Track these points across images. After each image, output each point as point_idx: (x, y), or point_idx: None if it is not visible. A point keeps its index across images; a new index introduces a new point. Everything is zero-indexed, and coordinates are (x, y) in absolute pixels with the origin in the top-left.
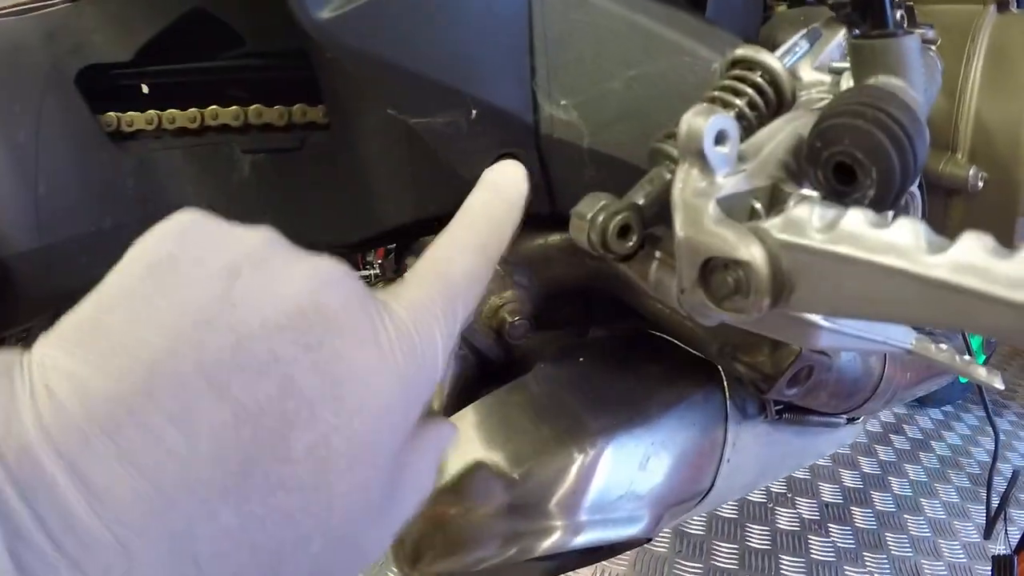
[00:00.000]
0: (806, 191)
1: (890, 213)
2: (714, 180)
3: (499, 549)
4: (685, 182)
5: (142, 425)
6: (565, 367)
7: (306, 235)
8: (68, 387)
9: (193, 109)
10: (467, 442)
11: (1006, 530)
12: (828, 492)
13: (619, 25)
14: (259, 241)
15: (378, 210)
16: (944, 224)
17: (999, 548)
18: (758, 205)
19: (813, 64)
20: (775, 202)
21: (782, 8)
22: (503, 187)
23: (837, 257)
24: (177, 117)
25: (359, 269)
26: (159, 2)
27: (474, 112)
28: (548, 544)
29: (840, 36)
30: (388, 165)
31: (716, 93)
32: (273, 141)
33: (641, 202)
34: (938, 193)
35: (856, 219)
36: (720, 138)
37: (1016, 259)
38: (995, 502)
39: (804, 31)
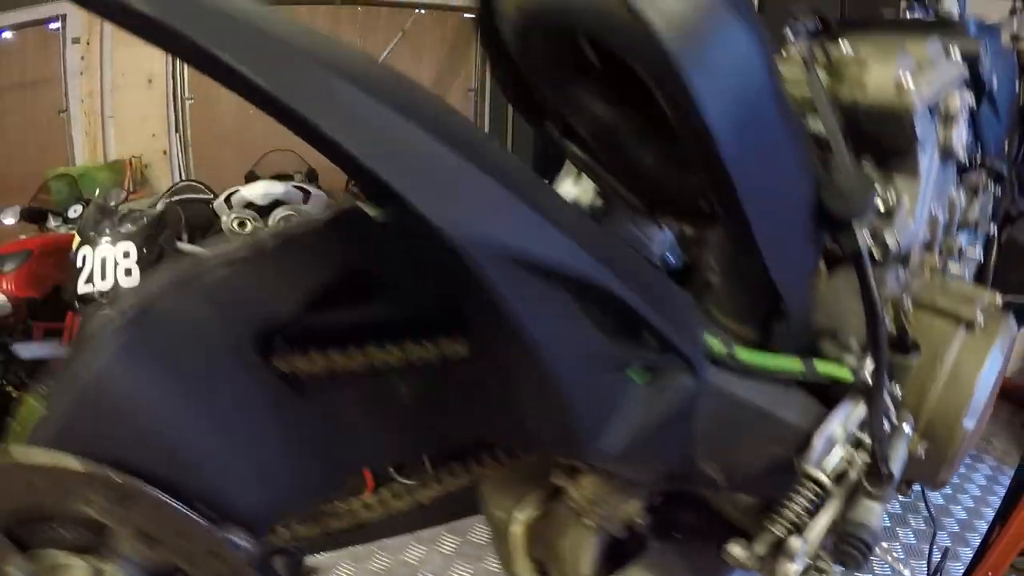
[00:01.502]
0: None
1: None
2: None
3: None
4: None
5: None
6: (671, 545)
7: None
8: None
9: (359, 356)
10: None
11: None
12: None
13: (748, 413)
14: None
15: (528, 428)
16: None
17: None
18: None
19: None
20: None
21: None
22: None
23: None
24: (347, 362)
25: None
26: (319, 259)
27: None
28: None
29: (860, 411)
30: (536, 399)
31: (792, 507)
32: (426, 373)
33: None
34: None
35: None
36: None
37: None
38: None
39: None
